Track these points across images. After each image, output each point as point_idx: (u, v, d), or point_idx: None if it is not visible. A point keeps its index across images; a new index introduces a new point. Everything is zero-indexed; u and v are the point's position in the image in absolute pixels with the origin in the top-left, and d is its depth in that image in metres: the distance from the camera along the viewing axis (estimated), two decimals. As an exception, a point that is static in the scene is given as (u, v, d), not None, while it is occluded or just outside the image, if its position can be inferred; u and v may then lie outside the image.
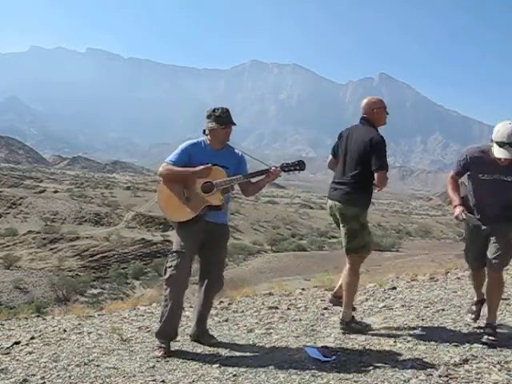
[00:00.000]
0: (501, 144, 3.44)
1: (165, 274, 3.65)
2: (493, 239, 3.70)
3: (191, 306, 4.91)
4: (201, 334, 3.89)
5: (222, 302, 5.62)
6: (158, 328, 3.71)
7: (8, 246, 43.31)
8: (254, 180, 3.80)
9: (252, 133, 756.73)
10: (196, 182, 3.68)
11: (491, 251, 3.70)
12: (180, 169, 3.71)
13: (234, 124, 3.78)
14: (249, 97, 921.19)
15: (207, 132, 3.81)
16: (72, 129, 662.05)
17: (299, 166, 3.74)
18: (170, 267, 3.61)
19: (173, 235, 3.99)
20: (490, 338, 3.58)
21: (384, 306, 5.02)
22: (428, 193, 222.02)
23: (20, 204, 58.19)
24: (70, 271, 38.08)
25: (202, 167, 3.65)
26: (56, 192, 66.43)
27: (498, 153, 3.46)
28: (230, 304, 5.54)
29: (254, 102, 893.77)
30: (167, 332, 3.66)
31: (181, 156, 3.76)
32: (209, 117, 3.75)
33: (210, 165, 3.66)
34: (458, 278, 6.49)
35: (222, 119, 3.72)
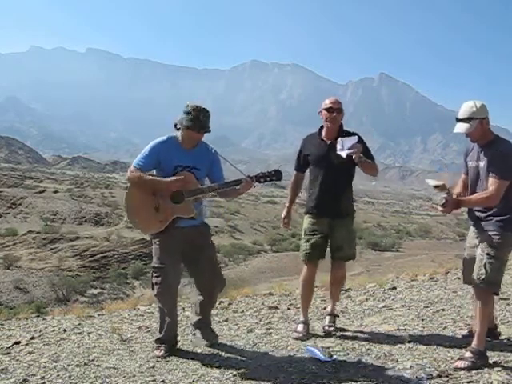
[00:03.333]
0: (456, 120, 3.46)
1: (152, 289, 3.57)
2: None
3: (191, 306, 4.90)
4: (203, 327, 3.80)
5: (221, 302, 5.62)
6: (158, 336, 3.67)
7: (8, 246, 43.23)
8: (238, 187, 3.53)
9: (252, 133, 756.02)
10: (165, 190, 3.43)
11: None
12: (150, 178, 3.46)
13: (209, 131, 3.53)
14: (249, 97, 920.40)
15: (180, 127, 3.52)
16: (72, 129, 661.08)
17: (276, 175, 3.46)
18: (155, 284, 3.52)
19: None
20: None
21: (384, 306, 5.02)
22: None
23: (20, 204, 58.14)
24: (70, 271, 38.02)
25: (174, 178, 3.41)
26: (56, 192, 66.31)
27: (455, 128, 3.45)
28: (230, 304, 5.53)
29: (254, 102, 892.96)
30: (168, 339, 3.65)
31: (148, 158, 3.50)
32: (188, 113, 3.44)
33: (182, 177, 3.43)
34: (458, 278, 6.46)
35: (200, 124, 3.43)
